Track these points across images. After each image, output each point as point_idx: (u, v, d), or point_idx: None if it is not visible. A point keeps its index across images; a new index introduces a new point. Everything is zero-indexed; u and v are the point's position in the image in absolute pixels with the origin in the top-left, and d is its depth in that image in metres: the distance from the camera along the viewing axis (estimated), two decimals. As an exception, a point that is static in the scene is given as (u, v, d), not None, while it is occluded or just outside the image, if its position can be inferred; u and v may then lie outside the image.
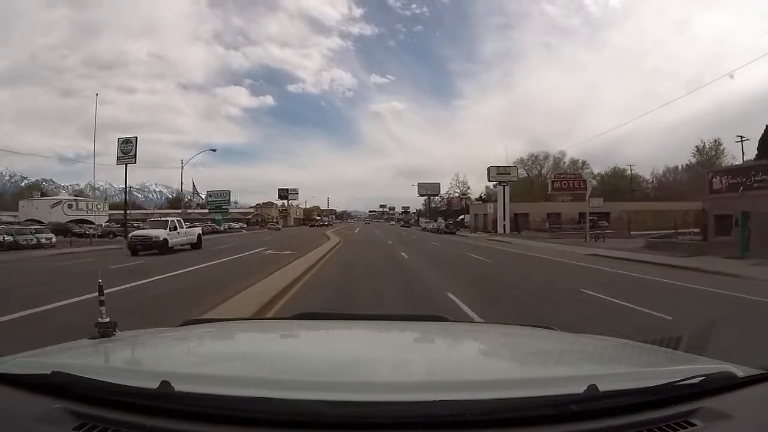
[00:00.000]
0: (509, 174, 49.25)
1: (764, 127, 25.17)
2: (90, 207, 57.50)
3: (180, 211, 68.75)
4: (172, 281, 10.71)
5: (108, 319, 1.54)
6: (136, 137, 40.38)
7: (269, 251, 20.88)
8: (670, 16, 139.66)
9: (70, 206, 57.61)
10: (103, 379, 1.02)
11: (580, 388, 0.96)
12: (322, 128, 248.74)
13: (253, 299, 7.37)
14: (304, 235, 43.53)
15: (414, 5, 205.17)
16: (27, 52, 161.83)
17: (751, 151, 30.97)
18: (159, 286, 9.96)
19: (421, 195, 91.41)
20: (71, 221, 46.38)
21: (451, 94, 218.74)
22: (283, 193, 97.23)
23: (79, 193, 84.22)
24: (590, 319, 6.30)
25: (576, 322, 5.86)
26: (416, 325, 2.13)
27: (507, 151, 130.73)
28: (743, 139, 39.68)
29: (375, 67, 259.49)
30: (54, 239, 26.27)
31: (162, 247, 19.55)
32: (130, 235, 21.81)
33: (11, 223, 32.40)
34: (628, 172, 64.57)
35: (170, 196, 73.24)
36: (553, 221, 45.38)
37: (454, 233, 46.82)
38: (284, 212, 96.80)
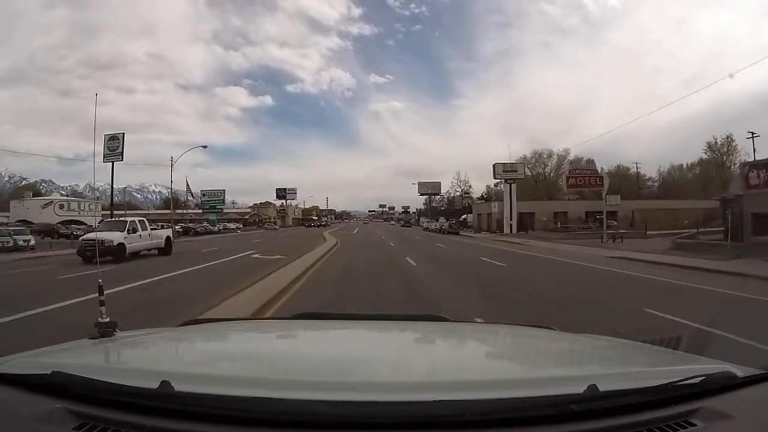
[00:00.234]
0: (516, 171, 46.72)
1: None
2: (82, 207, 56.01)
3: (177, 211, 67.26)
4: (108, 302, 8.11)
5: (108, 319, 1.56)
6: (123, 134, 38.54)
7: (256, 255, 18.94)
8: (670, 15, 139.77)
9: (61, 207, 56.07)
10: (103, 379, 1.02)
11: (580, 388, 0.96)
12: (321, 128, 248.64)
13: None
14: (300, 235, 41.87)
15: (413, 5, 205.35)
16: (26, 52, 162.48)
17: (762, 147, 29.87)
18: (80, 310, 6.75)
19: (422, 194, 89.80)
20: (62, 222, 44.98)
21: (451, 93, 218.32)
22: (281, 193, 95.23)
23: (78, 194, 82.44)
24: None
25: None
26: (416, 325, 2.11)
27: (510, 149, 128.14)
28: (754, 135, 38.35)
29: (374, 66, 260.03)
30: (33, 241, 24.46)
31: (117, 254, 16.00)
32: (81, 238, 18.57)
33: (1, 224, 31.06)
34: (632, 170, 63.70)
35: (169, 197, 71.30)
36: (559, 221, 43.82)
37: (457, 233, 44.71)
38: (282, 212, 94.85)
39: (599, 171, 35.07)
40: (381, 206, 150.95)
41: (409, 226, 79.10)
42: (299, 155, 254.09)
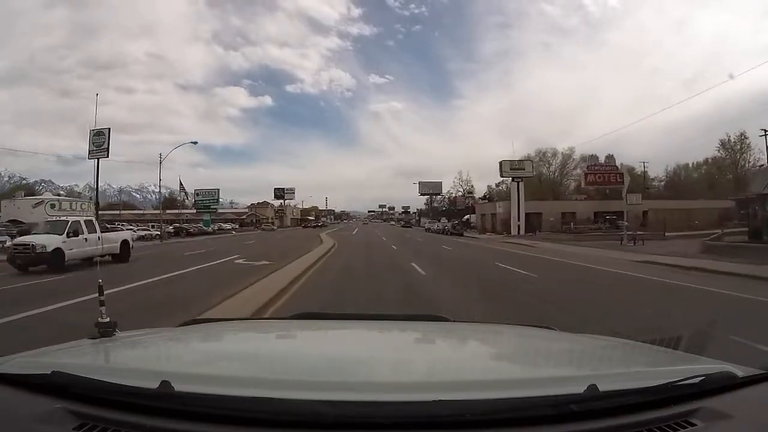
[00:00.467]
0: (524, 169, 44.19)
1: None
2: (74, 207, 54.20)
3: (173, 211, 65.41)
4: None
5: (108, 319, 1.55)
6: (109, 128, 36.88)
7: (240, 261, 16.69)
8: (670, 16, 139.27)
9: (52, 206, 54.30)
10: (103, 379, 1.02)
11: (580, 388, 0.96)
12: (321, 129, 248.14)
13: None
14: (296, 237, 39.70)
15: (413, 5, 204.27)
16: (26, 52, 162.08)
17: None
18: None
19: (423, 194, 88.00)
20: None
21: (451, 93, 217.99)
22: (279, 193, 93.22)
23: (75, 195, 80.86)
24: None
25: None
26: (416, 324, 2.11)
27: (514, 147, 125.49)
28: (767, 132, 36.63)
29: (374, 67, 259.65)
30: (9, 242, 22.42)
31: (52, 262, 13.33)
32: (10, 243, 15.85)
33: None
34: (637, 169, 61.27)
35: (167, 197, 69.54)
36: (568, 221, 41.85)
37: (461, 234, 42.46)
38: (280, 212, 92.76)
39: (618, 167, 32.25)
40: (381, 206, 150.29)
41: (410, 227, 77.16)
42: (299, 155, 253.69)
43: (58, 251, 13.74)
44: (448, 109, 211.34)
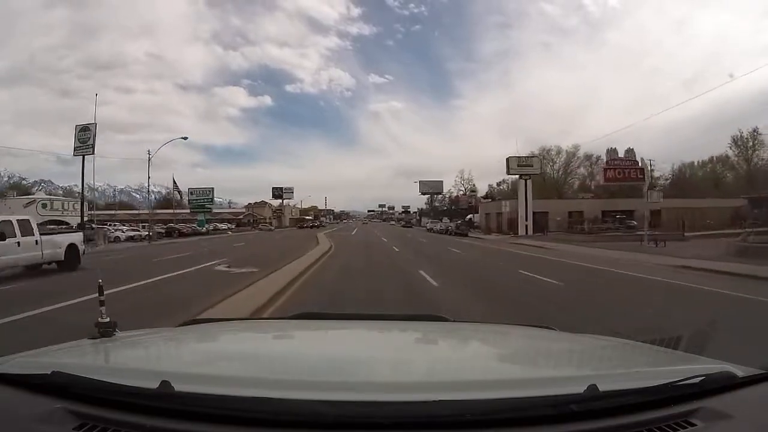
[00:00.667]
0: (531, 166, 41.96)
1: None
2: (66, 207, 52.77)
3: (169, 211, 63.45)
4: None
5: (108, 319, 1.55)
6: (95, 124, 35.30)
7: (221, 267, 14.37)
8: (670, 16, 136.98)
9: (44, 206, 52.77)
10: (103, 379, 1.02)
11: (580, 388, 0.95)
12: (320, 128, 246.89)
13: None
14: (292, 238, 37.83)
15: (412, 4, 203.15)
16: (25, 52, 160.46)
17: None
18: None
19: (423, 193, 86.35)
20: (42, 222, 41.85)
21: (450, 93, 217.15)
22: (278, 192, 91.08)
23: (76, 195, 79.26)
24: None
25: None
26: (416, 325, 2.11)
27: (517, 145, 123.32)
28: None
29: (373, 66, 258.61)
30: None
31: None
32: None
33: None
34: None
35: (166, 196, 67.72)
36: (574, 220, 40.19)
37: (466, 235, 40.06)
38: (278, 212, 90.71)
39: (639, 163, 29.49)
40: (380, 206, 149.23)
41: (410, 227, 75.17)
42: (299, 155, 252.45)
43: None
44: (448, 109, 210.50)
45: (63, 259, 13.80)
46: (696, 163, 61.03)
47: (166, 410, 0.94)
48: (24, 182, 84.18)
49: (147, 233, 36.38)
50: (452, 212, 71.43)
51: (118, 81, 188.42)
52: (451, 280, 11.28)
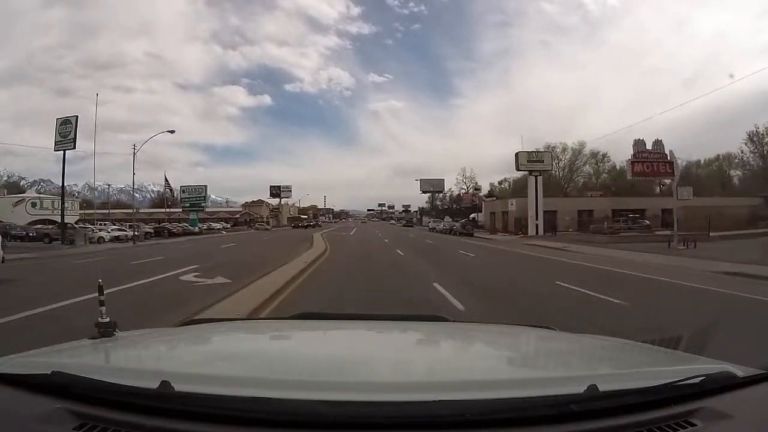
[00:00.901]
0: (542, 161, 39.36)
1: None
2: (56, 206, 51.15)
3: (164, 210, 61.31)
4: None
5: (108, 319, 1.53)
6: (77, 116, 33.60)
7: (190, 276, 11.85)
8: (669, 14, 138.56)
9: (33, 205, 51.15)
10: (103, 379, 1.01)
11: (580, 388, 0.95)
12: (320, 128, 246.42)
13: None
14: (285, 238, 35.46)
15: (412, 3, 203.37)
16: (24, 52, 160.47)
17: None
18: None
19: (424, 192, 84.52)
20: (31, 222, 39.95)
21: (450, 93, 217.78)
22: (275, 191, 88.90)
23: (77, 194, 77.34)
24: None
25: None
26: (416, 325, 2.09)
27: (522, 141, 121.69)
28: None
29: (373, 65, 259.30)
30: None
31: None
32: None
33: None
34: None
35: (163, 196, 65.64)
36: (583, 219, 38.23)
37: (471, 235, 37.97)
38: (275, 211, 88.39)
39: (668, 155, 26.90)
40: (380, 205, 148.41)
41: (411, 226, 72.95)
42: (298, 155, 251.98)
43: None
44: (448, 108, 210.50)
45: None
46: (702, 161, 59.19)
47: (166, 410, 0.94)
48: (23, 181, 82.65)
49: (133, 233, 34.07)
50: (454, 211, 69.68)
51: (117, 80, 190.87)
52: (478, 298, 8.58)
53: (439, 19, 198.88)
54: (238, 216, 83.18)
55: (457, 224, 44.16)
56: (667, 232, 26.62)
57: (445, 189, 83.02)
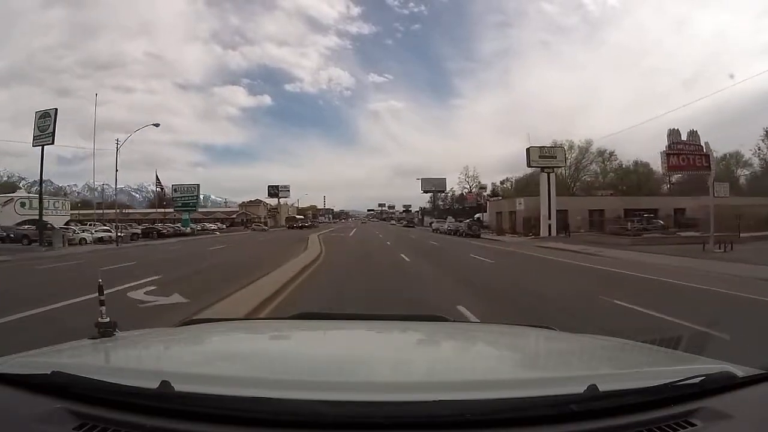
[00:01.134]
0: (555, 157, 36.64)
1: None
2: (46, 205, 49.21)
3: (159, 210, 59.14)
4: None
5: (108, 319, 1.53)
6: (56, 109, 31.30)
7: (142, 293, 9.11)
8: (669, 14, 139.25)
9: (22, 205, 49.22)
10: (103, 379, 1.01)
11: (580, 388, 0.95)
12: (320, 128, 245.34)
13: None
14: (279, 241, 32.98)
15: (412, 3, 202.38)
16: (24, 52, 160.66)
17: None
18: None
19: (425, 191, 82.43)
20: (21, 222, 38.22)
21: (450, 93, 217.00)
22: (274, 191, 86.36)
23: (77, 194, 75.71)
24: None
25: None
26: (416, 325, 2.08)
27: (529, 138, 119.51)
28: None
29: (373, 66, 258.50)
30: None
31: None
32: None
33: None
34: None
35: (159, 196, 63.56)
36: (593, 220, 36.24)
37: (478, 236, 35.61)
38: (273, 211, 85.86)
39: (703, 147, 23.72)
40: (380, 206, 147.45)
41: (413, 227, 70.73)
42: (298, 155, 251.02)
43: None
44: (448, 108, 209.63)
45: None
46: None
47: (166, 410, 0.94)
48: (23, 181, 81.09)
49: (116, 235, 31.75)
50: (456, 211, 67.61)
51: (117, 80, 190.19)
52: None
53: (439, 20, 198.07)
54: (234, 216, 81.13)
55: (462, 225, 41.48)
56: (692, 233, 24.65)
57: (447, 188, 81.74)
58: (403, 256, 18.05)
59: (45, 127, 30.28)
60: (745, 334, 5.50)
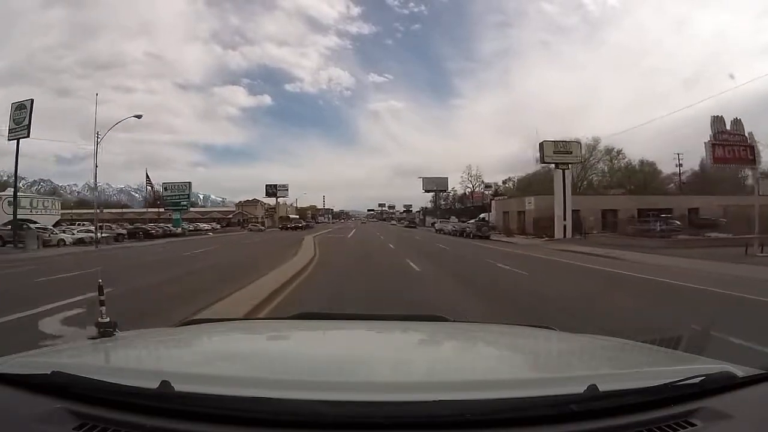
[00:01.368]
0: (570, 152, 33.59)
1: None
2: (35, 204, 47.11)
3: (152, 210, 56.84)
4: None
5: (108, 319, 1.55)
6: (32, 100, 29.12)
7: (70, 315, 6.74)
8: (669, 15, 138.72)
9: (10, 204, 46.86)
10: (103, 379, 1.00)
11: (580, 388, 0.94)
12: (320, 128, 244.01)
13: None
14: (271, 242, 30.97)
15: (412, 3, 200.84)
16: (24, 52, 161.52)
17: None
18: None
19: (427, 191, 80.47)
20: (8, 222, 36.57)
21: (450, 93, 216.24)
22: (272, 190, 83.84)
23: (76, 194, 74.23)
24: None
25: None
26: (416, 325, 2.07)
27: (537, 134, 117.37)
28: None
29: (373, 66, 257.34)
30: None
31: None
32: None
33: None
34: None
35: (155, 195, 61.50)
36: (608, 220, 34.31)
37: (488, 238, 33.15)
38: (271, 211, 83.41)
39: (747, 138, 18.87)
40: (380, 206, 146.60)
41: (414, 227, 68.31)
42: (298, 155, 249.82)
43: None
44: (448, 108, 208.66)
45: None
46: None
47: (166, 410, 0.93)
48: (23, 181, 79.21)
49: (95, 236, 29.38)
50: (459, 211, 65.39)
51: (117, 80, 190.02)
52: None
53: (439, 20, 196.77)
54: (231, 216, 78.87)
55: (469, 225, 39.06)
56: (718, 235, 23.28)
57: (449, 188, 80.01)
58: (410, 262, 14.94)
59: (20, 120, 28.53)
60: None
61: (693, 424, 0.94)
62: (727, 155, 19.43)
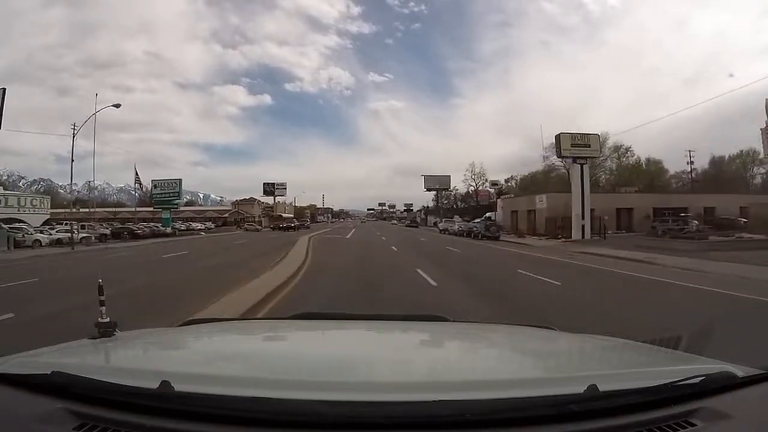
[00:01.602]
0: (589, 146, 30.36)
1: None
2: (23, 203, 45.01)
3: (147, 209, 54.60)
4: None
5: (108, 319, 1.51)
6: (5, 89, 27.11)
7: None
8: (669, 14, 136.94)
9: None
10: (104, 379, 1.00)
11: (580, 388, 0.94)
12: (320, 127, 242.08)
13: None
14: (262, 242, 28.78)
15: (412, 3, 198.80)
16: (24, 51, 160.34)
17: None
18: None
19: (429, 189, 77.80)
20: None
21: (450, 92, 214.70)
22: (269, 188, 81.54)
23: (76, 194, 72.97)
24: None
25: None
26: (416, 324, 2.06)
27: (542, 133, 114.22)
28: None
29: (373, 65, 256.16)
30: None
31: None
32: None
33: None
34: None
35: (152, 194, 59.54)
36: (623, 220, 31.98)
37: (497, 238, 30.67)
38: (268, 210, 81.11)
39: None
40: (380, 205, 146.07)
41: (416, 227, 65.78)
42: (298, 154, 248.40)
43: None
44: (448, 108, 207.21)
45: None
46: (727, 157, 55.11)
47: (166, 410, 0.93)
48: (23, 180, 77.28)
49: (71, 236, 27.05)
50: (461, 210, 63.08)
51: (116, 80, 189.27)
52: None
53: (439, 19, 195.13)
54: (227, 215, 76.68)
55: (477, 225, 36.35)
56: (755, 236, 21.90)
57: (451, 186, 77.75)
58: (419, 271, 12.11)
59: (-9, 110, 26.12)
60: None
61: (693, 424, 0.94)
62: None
